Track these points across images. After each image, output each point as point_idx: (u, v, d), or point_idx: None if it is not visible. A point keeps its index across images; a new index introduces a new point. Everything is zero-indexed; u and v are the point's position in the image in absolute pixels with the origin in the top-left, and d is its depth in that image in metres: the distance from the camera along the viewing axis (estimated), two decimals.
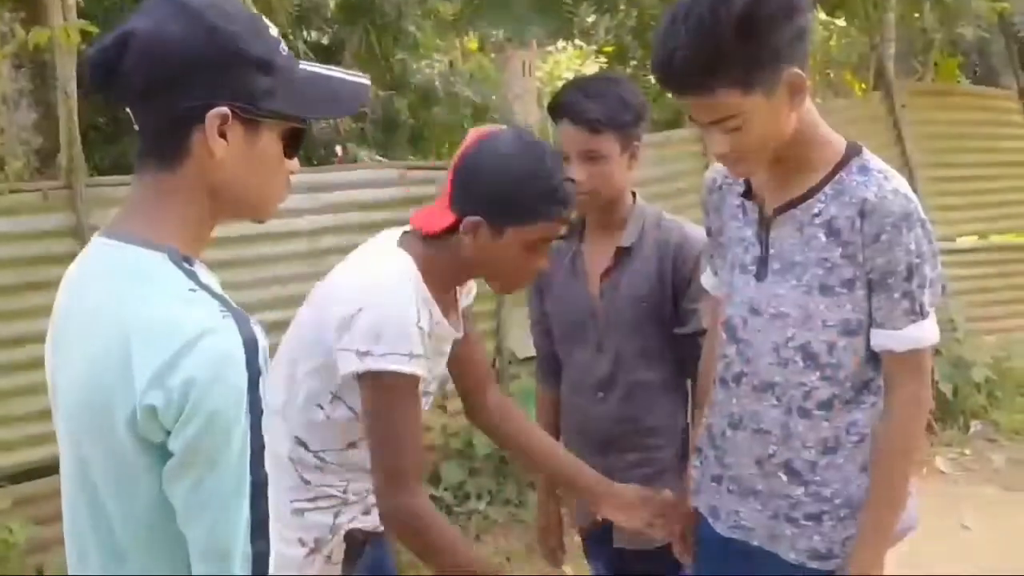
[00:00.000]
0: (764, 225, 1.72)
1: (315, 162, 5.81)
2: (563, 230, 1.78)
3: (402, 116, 5.96)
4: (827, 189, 1.64)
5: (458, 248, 1.72)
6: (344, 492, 1.80)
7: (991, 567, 3.72)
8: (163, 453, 1.11)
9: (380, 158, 5.59)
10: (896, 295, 1.60)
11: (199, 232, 1.22)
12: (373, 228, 3.93)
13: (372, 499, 1.78)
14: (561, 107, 2.10)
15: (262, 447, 1.13)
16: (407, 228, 1.80)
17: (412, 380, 1.66)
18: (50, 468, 3.31)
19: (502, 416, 2.03)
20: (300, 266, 3.82)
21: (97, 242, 1.22)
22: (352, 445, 1.78)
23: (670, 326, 2.15)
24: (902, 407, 1.65)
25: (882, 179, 1.61)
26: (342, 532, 1.79)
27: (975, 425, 5.12)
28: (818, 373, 1.67)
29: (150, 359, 1.08)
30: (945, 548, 3.87)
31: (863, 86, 6.84)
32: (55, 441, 1.26)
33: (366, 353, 1.63)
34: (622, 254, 2.16)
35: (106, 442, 1.13)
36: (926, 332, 1.63)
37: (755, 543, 1.80)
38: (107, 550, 1.18)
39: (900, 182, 1.62)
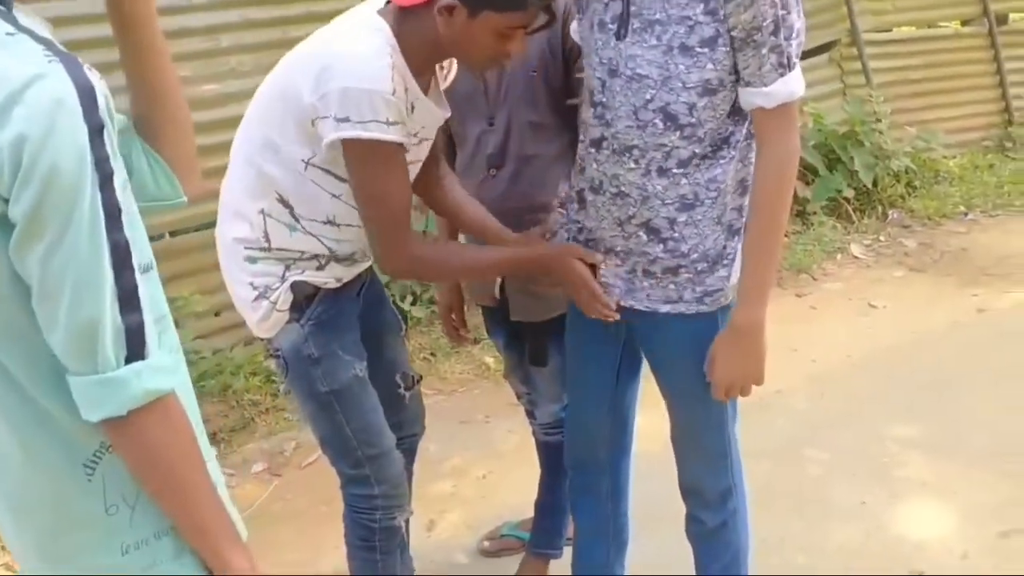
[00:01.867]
0: None
1: None
2: (543, 19, 1.69)
3: None
4: None
5: (433, 25, 1.64)
6: (300, 254, 1.84)
7: (891, 338, 3.91)
8: (5, 225, 0.99)
9: None
10: (764, 50, 1.57)
11: None
12: (282, 24, 3.81)
13: (329, 258, 1.85)
14: None
15: (118, 209, 1.02)
16: None
17: (393, 146, 1.67)
18: None
19: (446, 189, 2.04)
20: (198, 67, 3.65)
21: None
22: (331, 223, 1.82)
23: (563, 97, 2.10)
24: (775, 162, 1.65)
25: None
26: (290, 282, 1.84)
27: (892, 213, 5.24)
28: (678, 134, 1.66)
29: None
30: (851, 326, 4.05)
31: None
32: None
33: (344, 119, 1.62)
34: None
35: None
36: (794, 85, 1.61)
37: (614, 298, 1.83)
38: None
39: None
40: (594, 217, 1.81)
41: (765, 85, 1.59)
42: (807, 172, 5.08)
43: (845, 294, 4.37)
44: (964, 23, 6.32)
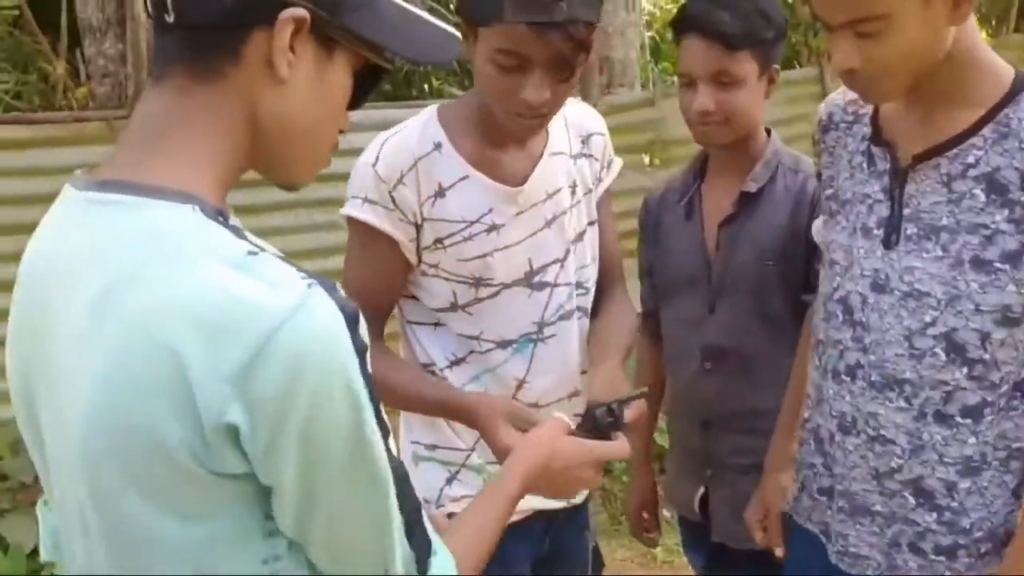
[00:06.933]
0: (898, 178, 1.39)
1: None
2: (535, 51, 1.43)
3: None
4: (986, 132, 1.31)
5: (473, 94, 1.58)
6: (471, 447, 1.63)
7: None
8: (238, 488, 0.83)
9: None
10: None
11: (227, 175, 0.91)
12: None
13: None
14: (689, 19, 1.81)
15: (388, 432, 0.88)
16: None
17: (363, 228, 1.54)
18: None
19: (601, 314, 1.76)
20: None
21: (78, 199, 0.88)
22: (458, 362, 1.62)
23: (799, 291, 1.83)
24: None
25: None
26: (447, 508, 1.61)
27: None
28: (965, 370, 1.33)
29: (217, 360, 0.78)
30: None
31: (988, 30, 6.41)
32: None
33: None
34: (747, 200, 1.88)
35: (138, 484, 0.82)
36: None
37: (868, 574, 1.47)
38: None
39: None
40: (842, 464, 1.48)
41: None
42: None
43: None
44: None
